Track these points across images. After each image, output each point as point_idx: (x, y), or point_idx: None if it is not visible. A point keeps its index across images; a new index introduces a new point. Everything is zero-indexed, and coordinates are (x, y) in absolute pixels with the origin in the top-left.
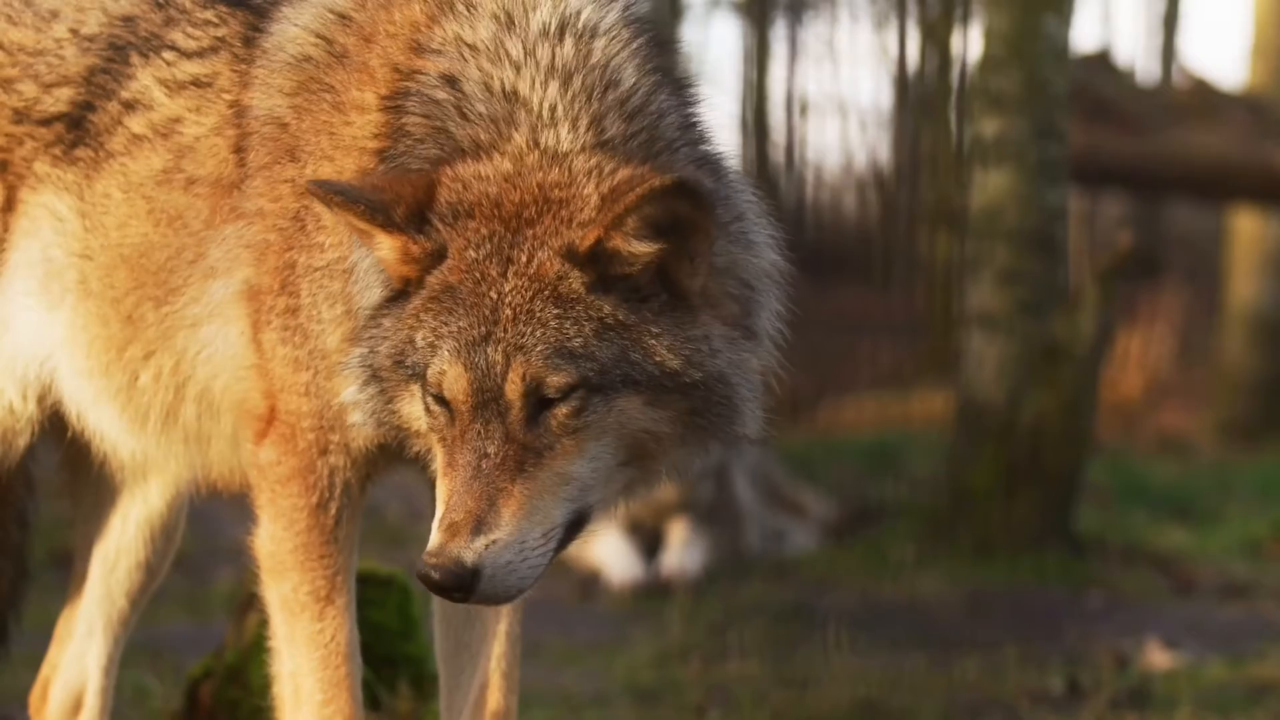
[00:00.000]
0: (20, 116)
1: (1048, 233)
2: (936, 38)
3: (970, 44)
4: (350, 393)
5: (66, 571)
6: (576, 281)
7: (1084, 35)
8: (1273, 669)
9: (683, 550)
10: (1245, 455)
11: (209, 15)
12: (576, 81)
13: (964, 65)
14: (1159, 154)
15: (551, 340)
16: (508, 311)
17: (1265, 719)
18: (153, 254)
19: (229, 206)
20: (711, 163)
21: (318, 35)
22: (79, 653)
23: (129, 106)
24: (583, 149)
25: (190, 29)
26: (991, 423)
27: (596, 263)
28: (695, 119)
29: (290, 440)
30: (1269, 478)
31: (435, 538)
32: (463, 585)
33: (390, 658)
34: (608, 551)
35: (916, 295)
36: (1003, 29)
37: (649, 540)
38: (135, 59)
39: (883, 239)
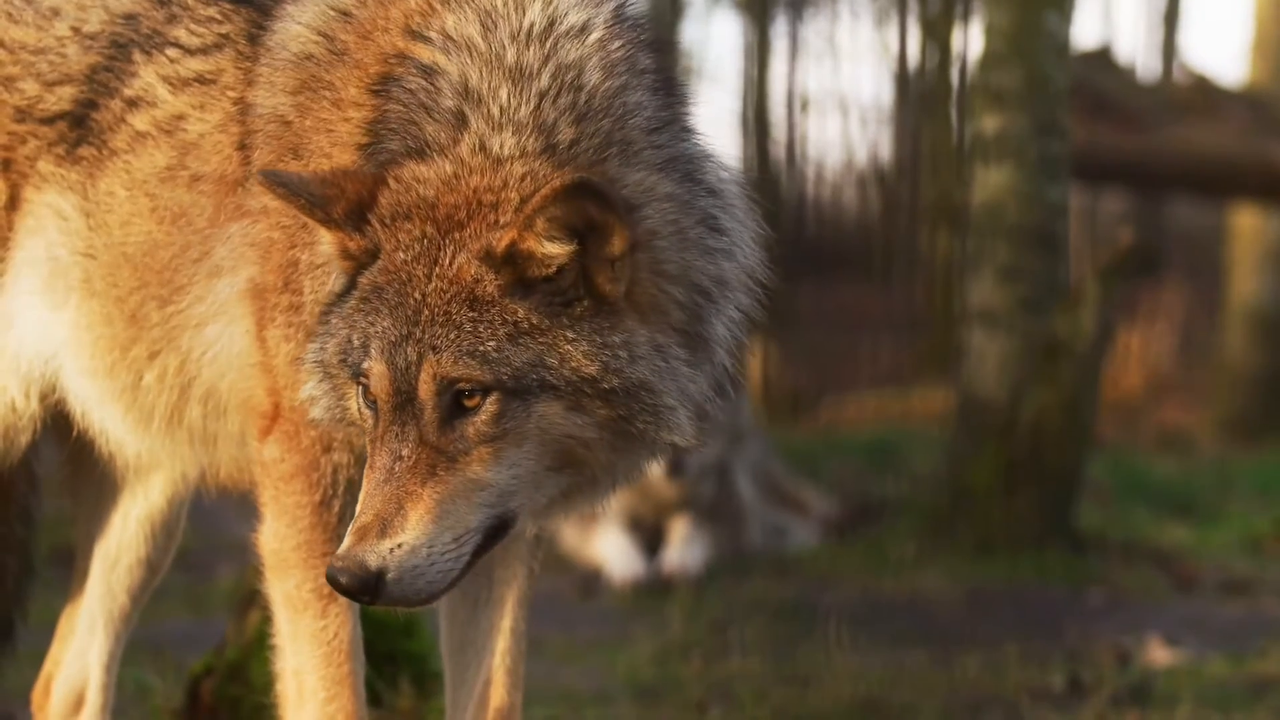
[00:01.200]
0: (23, 115)
1: (1048, 229)
2: (937, 34)
3: (971, 40)
4: (308, 388)
5: (69, 568)
6: (491, 285)
7: (1085, 32)
8: (1274, 665)
9: (684, 547)
10: (1246, 452)
11: (212, 12)
12: (532, 85)
13: (965, 62)
14: (1160, 150)
15: (464, 342)
16: (426, 313)
17: (1266, 715)
18: (157, 252)
19: (234, 204)
20: (682, 164)
21: (319, 32)
22: (81, 650)
23: (132, 104)
24: (522, 155)
25: (193, 26)
26: (992, 420)
27: (513, 265)
28: (675, 119)
29: (294, 438)
30: (1270, 474)
31: (345, 541)
32: (367, 589)
33: (392, 655)
34: (609, 548)
35: (917, 292)
36: (1003, 25)
37: (650, 537)
38: (138, 56)
39: (883, 236)
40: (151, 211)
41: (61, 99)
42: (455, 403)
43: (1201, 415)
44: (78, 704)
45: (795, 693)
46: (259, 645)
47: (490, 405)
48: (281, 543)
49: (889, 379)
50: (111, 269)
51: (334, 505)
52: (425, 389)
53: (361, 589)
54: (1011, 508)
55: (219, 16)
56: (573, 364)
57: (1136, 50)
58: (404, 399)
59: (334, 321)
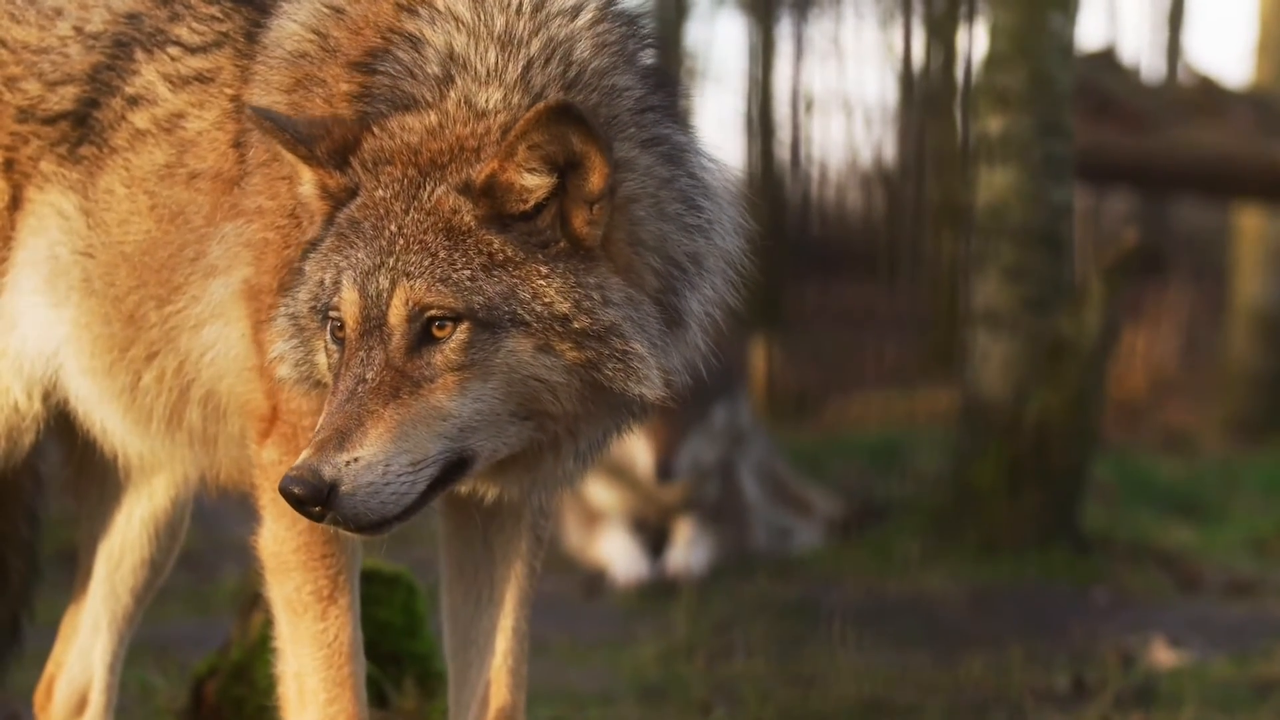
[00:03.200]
0: (25, 115)
1: (1053, 230)
2: (942, 35)
3: (975, 41)
4: (278, 347)
5: (72, 569)
6: (469, 215)
7: (1089, 32)
8: (1278, 666)
9: (688, 547)
10: (1251, 452)
11: (213, 10)
12: (521, 51)
13: (969, 62)
14: (1164, 151)
15: (439, 269)
16: (402, 242)
17: (1270, 717)
18: (155, 251)
19: (229, 203)
20: (666, 146)
21: (313, 31)
22: (84, 650)
23: (133, 102)
24: (507, 109)
25: (195, 24)
26: (997, 420)
27: (491, 197)
28: (662, 106)
29: (292, 440)
30: (1275, 475)
31: (302, 455)
32: (319, 498)
33: (395, 655)
34: (613, 549)
35: (922, 292)
36: (1008, 26)
37: (655, 538)
38: (139, 54)
39: (888, 236)
40: (150, 210)
41: (64, 98)
42: (425, 330)
43: (1206, 416)
44: (81, 704)
45: (800, 693)
46: (263, 646)
47: (460, 334)
48: (281, 545)
49: (893, 379)
50: (110, 268)
51: None
52: (396, 314)
53: (313, 498)
54: (1016, 508)
55: (220, 15)
56: (545, 299)
57: (1141, 51)
58: (373, 325)
59: (307, 268)
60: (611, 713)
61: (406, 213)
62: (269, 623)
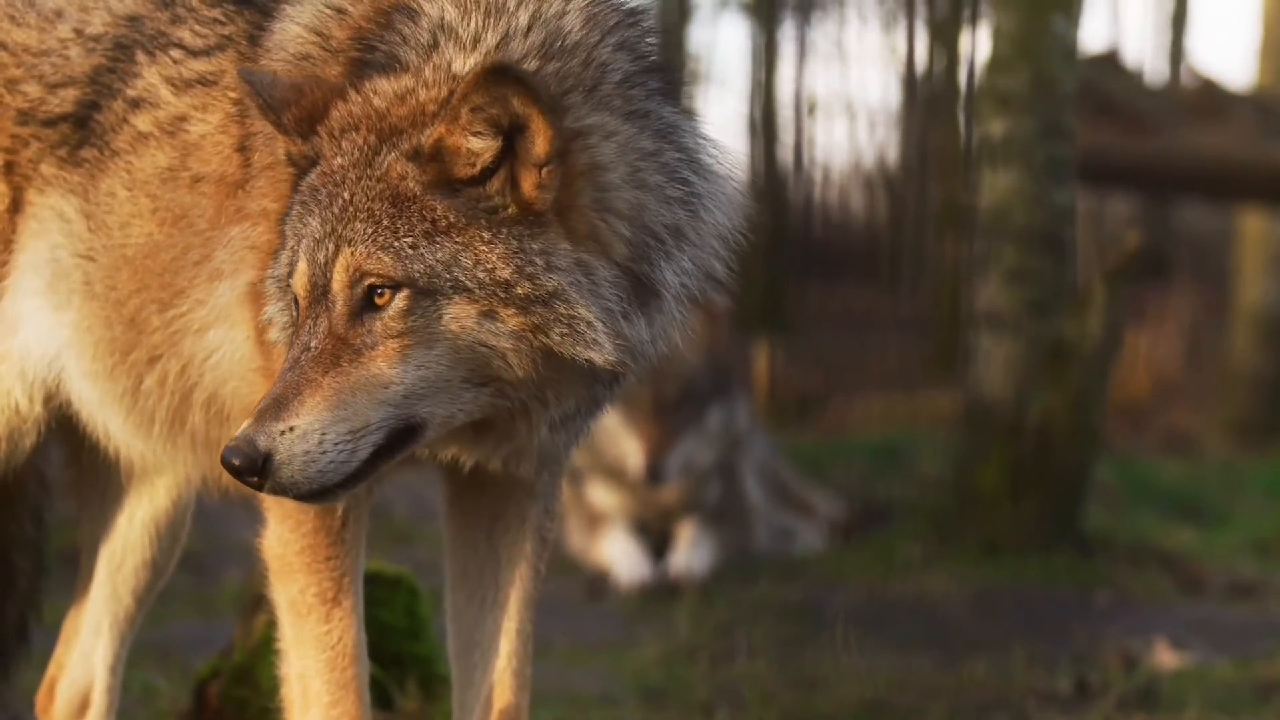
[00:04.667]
0: (25, 117)
1: (1055, 232)
2: (944, 38)
3: (978, 44)
4: (268, 310)
5: (74, 570)
6: (415, 182)
7: (1092, 35)
8: None
9: (691, 550)
10: (1253, 455)
11: (216, 13)
12: (505, 19)
13: (972, 65)
14: (1167, 154)
15: (380, 237)
16: (351, 210)
17: (1273, 719)
18: (157, 255)
19: (234, 206)
20: (654, 121)
21: (315, 32)
22: (85, 652)
23: (135, 105)
24: None
25: (197, 26)
26: (999, 422)
27: (439, 161)
28: (653, 84)
29: None
30: (1277, 477)
31: (243, 424)
32: (254, 469)
33: (398, 657)
34: (616, 551)
35: (924, 295)
36: (1011, 29)
37: (657, 540)
38: (141, 57)
39: (890, 239)
40: (152, 213)
41: (64, 101)
42: (366, 297)
43: (1209, 418)
44: (83, 706)
45: (802, 695)
46: (266, 648)
47: (399, 301)
48: (285, 547)
49: (896, 381)
50: (111, 271)
51: (336, 509)
52: (337, 281)
53: (249, 469)
54: (1018, 510)
55: (222, 18)
56: (487, 265)
57: (1144, 53)
58: (319, 294)
59: (286, 233)
60: (614, 714)
61: (359, 181)
62: (272, 625)
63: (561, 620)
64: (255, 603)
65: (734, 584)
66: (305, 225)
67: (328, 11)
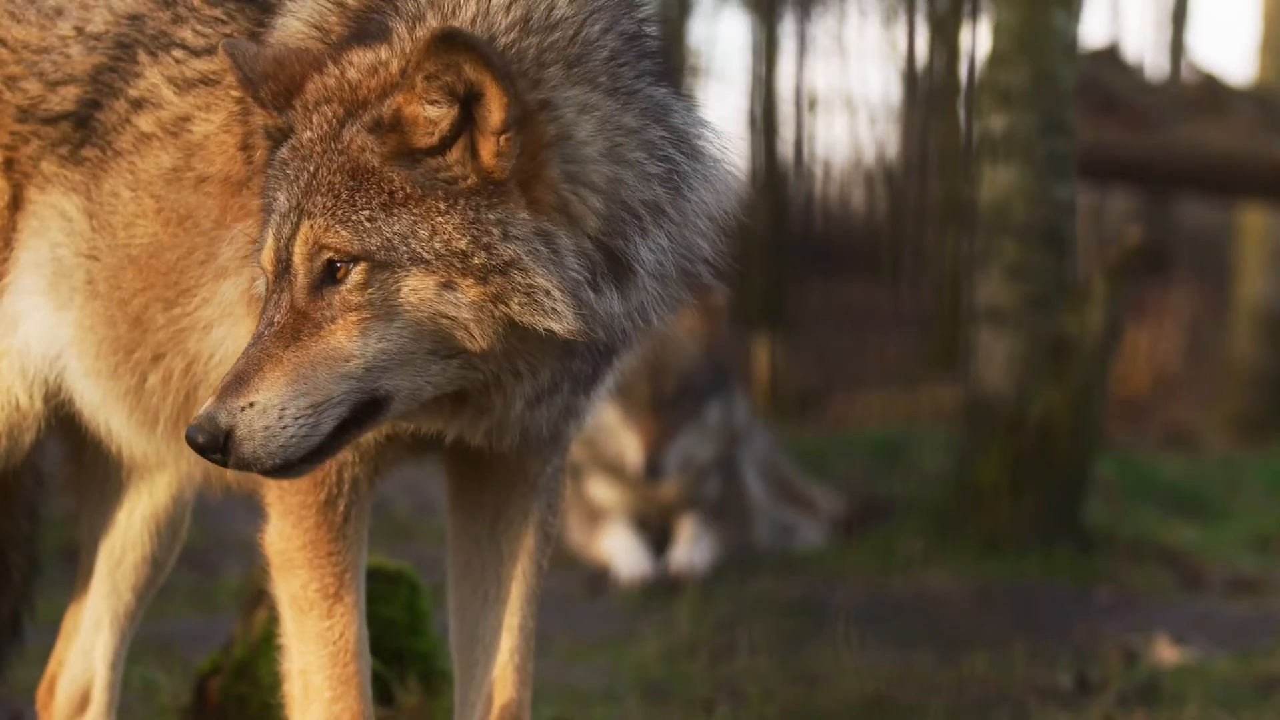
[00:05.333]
0: (25, 115)
1: (1056, 228)
2: (945, 33)
3: (979, 39)
4: (258, 284)
5: (74, 566)
6: (374, 154)
7: (1092, 30)
8: None
9: (691, 545)
10: (1254, 450)
11: (217, 12)
12: None
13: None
14: (1167, 149)
15: (339, 210)
16: (314, 184)
17: (1274, 715)
18: (162, 254)
19: (239, 205)
20: (640, 100)
21: (315, 27)
22: (86, 648)
23: (137, 105)
24: None
25: (199, 26)
26: (1000, 418)
27: (398, 132)
28: (645, 65)
29: None
30: (1278, 473)
31: (207, 401)
32: (216, 445)
33: (399, 653)
34: (616, 547)
35: (925, 290)
36: (1011, 24)
37: (657, 535)
38: (143, 57)
39: (891, 234)
40: (157, 213)
41: (65, 99)
42: (326, 271)
43: (1209, 414)
44: (83, 702)
45: (803, 691)
46: (266, 644)
47: (356, 275)
48: (287, 543)
49: (896, 377)
50: (115, 271)
51: (339, 504)
52: (298, 255)
53: (211, 445)
54: (1019, 506)
55: (224, 16)
56: (443, 236)
57: (1144, 49)
58: (283, 269)
59: (263, 208)
60: (614, 711)
61: (324, 154)
62: (272, 620)
63: (562, 616)
64: (256, 598)
65: (734, 579)
66: (274, 200)
67: (328, 6)
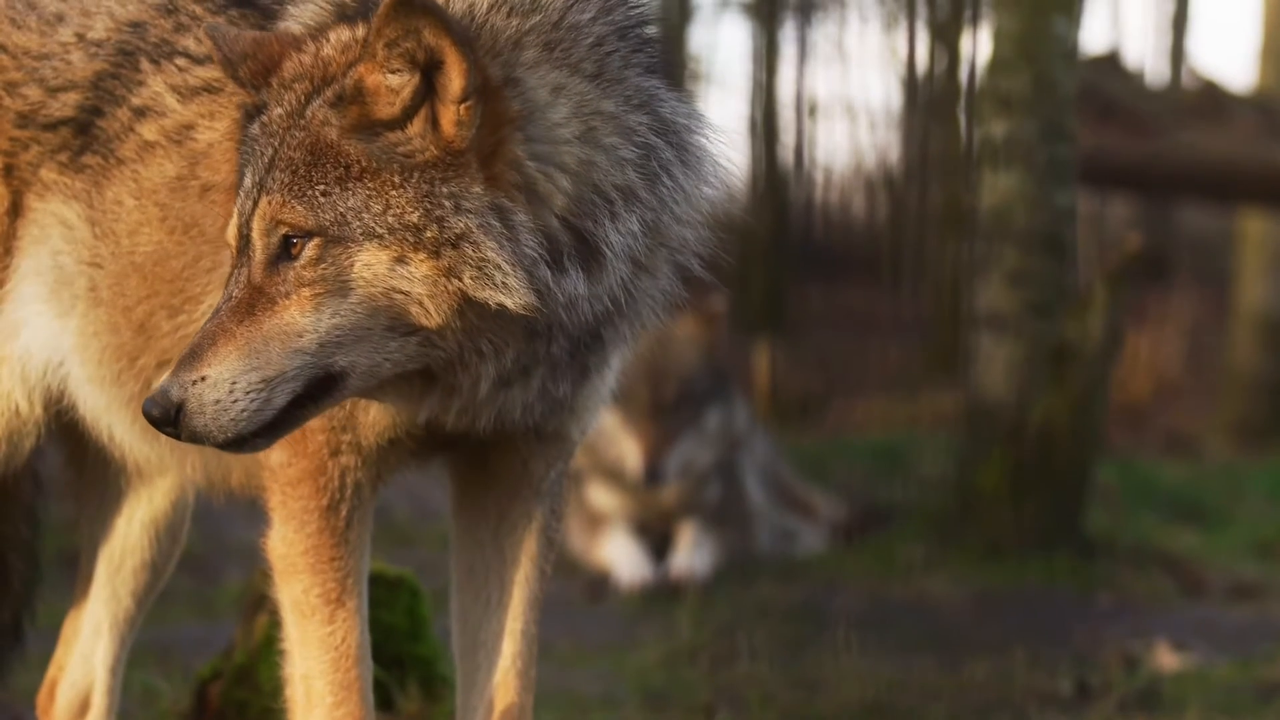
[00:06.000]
0: (25, 120)
1: (1056, 234)
2: (945, 39)
3: (979, 45)
4: None
5: (74, 572)
6: (334, 128)
7: (1093, 36)
8: None
9: (692, 551)
10: (1255, 457)
11: (220, 20)
12: None
13: (973, 66)
14: (1168, 155)
15: (296, 185)
16: (277, 160)
17: None
18: (167, 262)
19: None
20: (625, 88)
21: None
22: (85, 653)
23: (140, 113)
24: None
25: (201, 33)
26: (1000, 424)
27: (361, 103)
28: (639, 61)
29: (301, 442)
30: (1278, 479)
31: (163, 375)
32: (169, 419)
33: (399, 659)
34: (617, 552)
35: (925, 296)
36: (1012, 30)
37: (658, 541)
38: (146, 65)
39: (891, 240)
40: (161, 221)
41: (65, 105)
42: (283, 247)
43: (1210, 420)
44: (83, 708)
45: (803, 697)
46: (267, 649)
47: (310, 249)
48: (289, 548)
49: (897, 383)
50: (119, 278)
51: (341, 509)
52: (256, 230)
53: (163, 419)
54: (1020, 512)
55: (226, 24)
56: (396, 210)
57: (1145, 55)
58: (244, 245)
59: None
60: (615, 716)
61: (288, 130)
62: (273, 625)
63: (562, 621)
64: (256, 604)
65: (735, 585)
66: (242, 178)
67: (328, 9)
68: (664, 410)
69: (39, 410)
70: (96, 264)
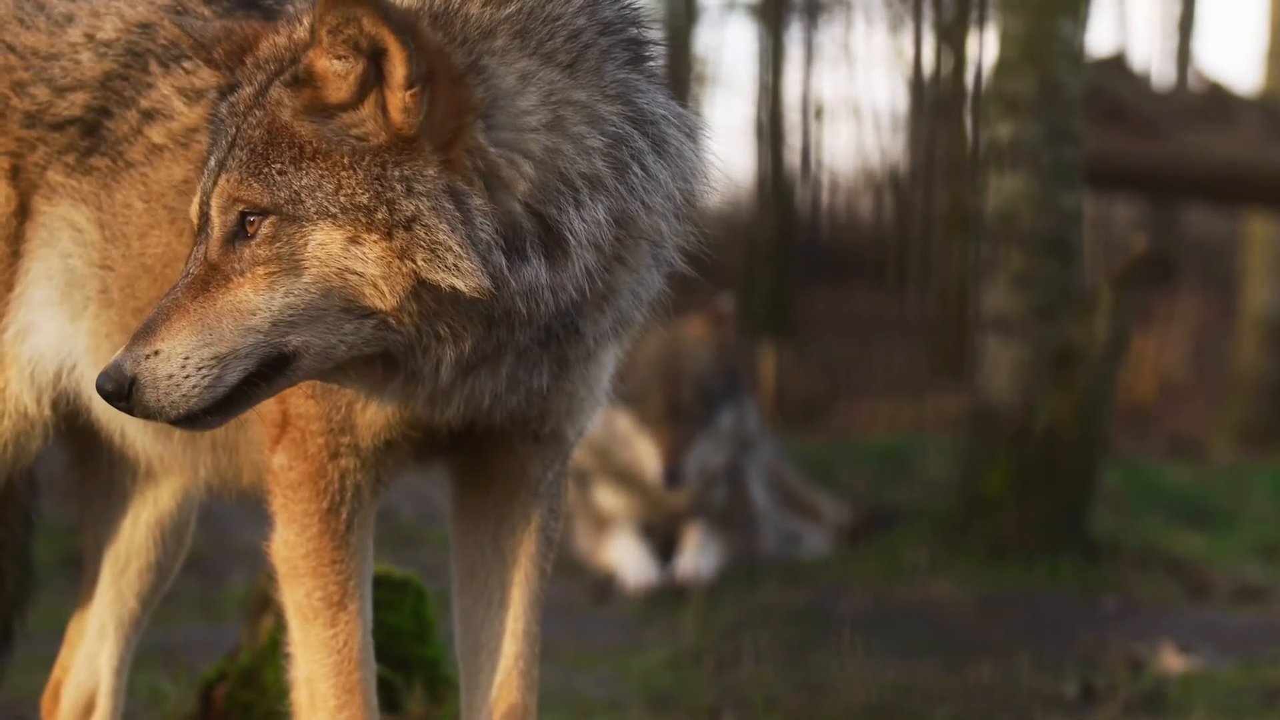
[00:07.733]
0: (32, 120)
1: (1062, 236)
2: (951, 41)
3: (985, 47)
4: None
5: (78, 574)
6: (288, 109)
7: (1099, 38)
8: None
9: (697, 553)
10: (1260, 459)
11: (227, 23)
12: None
13: (979, 68)
14: (1174, 157)
15: (252, 164)
16: (238, 139)
17: None
18: (177, 264)
19: None
20: (601, 80)
21: None
22: (90, 655)
23: (149, 116)
24: None
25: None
26: (1006, 426)
27: (311, 86)
28: (622, 56)
29: (301, 445)
30: None
31: (119, 350)
32: (122, 393)
33: (405, 660)
34: (622, 554)
35: (931, 298)
36: (1017, 32)
37: (663, 543)
38: (154, 67)
39: (897, 242)
40: (170, 223)
41: (73, 104)
42: (239, 225)
43: (1215, 422)
44: (88, 709)
45: (808, 699)
46: (272, 651)
47: (265, 228)
48: (291, 550)
49: (902, 385)
50: (130, 280)
51: (341, 512)
52: (214, 207)
53: (116, 393)
54: (1025, 514)
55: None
56: (348, 191)
57: (1151, 57)
58: (204, 222)
59: None
60: (619, 719)
61: (250, 110)
62: (278, 628)
63: (567, 623)
64: (261, 606)
65: (740, 588)
66: (209, 159)
67: None
68: (681, 412)
69: (47, 412)
70: (108, 266)
